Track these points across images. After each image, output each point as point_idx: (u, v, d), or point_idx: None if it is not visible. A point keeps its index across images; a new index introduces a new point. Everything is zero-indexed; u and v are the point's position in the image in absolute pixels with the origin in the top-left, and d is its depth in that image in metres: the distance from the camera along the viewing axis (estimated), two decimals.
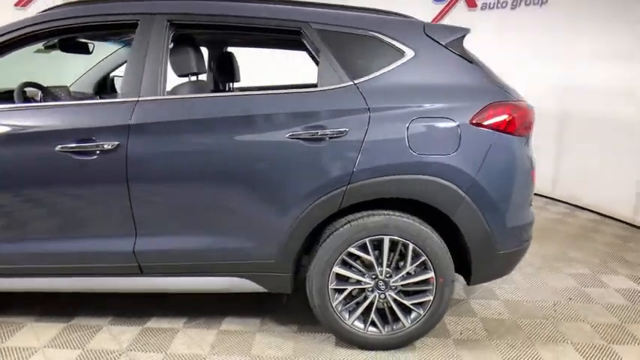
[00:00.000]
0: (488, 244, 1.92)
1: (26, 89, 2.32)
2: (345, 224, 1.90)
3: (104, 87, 3.26)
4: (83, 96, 3.01)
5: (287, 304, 2.40)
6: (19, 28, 1.89)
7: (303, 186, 1.84)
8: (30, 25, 1.89)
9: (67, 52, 2.54)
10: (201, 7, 1.95)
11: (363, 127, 1.82)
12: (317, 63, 1.94)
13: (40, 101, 2.40)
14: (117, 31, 2.21)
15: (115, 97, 1.98)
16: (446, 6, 5.43)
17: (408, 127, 1.81)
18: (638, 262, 3.09)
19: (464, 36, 2.02)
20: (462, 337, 2.15)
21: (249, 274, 1.97)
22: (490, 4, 5.07)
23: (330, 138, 1.81)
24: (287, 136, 1.81)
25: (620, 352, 2.06)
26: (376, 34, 1.94)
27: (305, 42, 1.96)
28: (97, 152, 1.80)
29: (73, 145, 1.79)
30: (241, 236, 1.91)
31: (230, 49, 3.16)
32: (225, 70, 2.91)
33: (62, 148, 1.79)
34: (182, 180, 1.86)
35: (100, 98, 3.11)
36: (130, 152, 1.80)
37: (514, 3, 4.85)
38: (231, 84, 3.03)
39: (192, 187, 1.87)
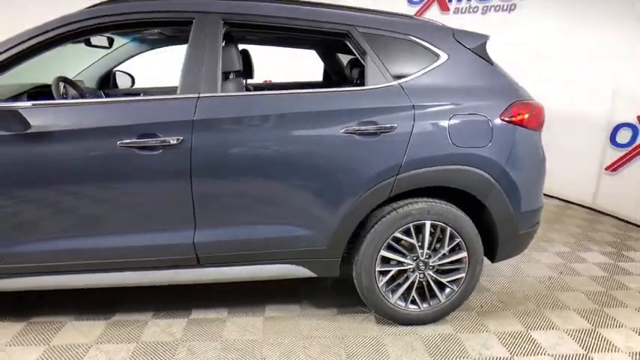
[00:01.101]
0: (512, 225, 2.20)
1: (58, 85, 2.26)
2: (391, 211, 2.08)
3: (107, 82, 3.20)
4: (93, 91, 2.94)
5: (319, 290, 2.55)
6: (72, 22, 1.87)
7: (356, 177, 2.00)
8: (82, 20, 1.88)
9: (89, 46, 2.49)
10: (255, 8, 2.03)
11: (409, 123, 2.01)
12: (361, 64, 2.11)
13: (64, 97, 2.35)
14: (169, 27, 2.21)
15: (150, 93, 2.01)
16: (420, 9, 5.75)
17: (448, 123, 2.03)
18: (604, 240, 3.56)
19: (486, 41, 2.27)
20: (483, 310, 2.42)
21: (302, 260, 2.10)
22: (462, 8, 5.45)
23: (382, 133, 1.98)
24: (342, 131, 1.96)
25: (611, 314, 2.43)
26: (414, 38, 2.14)
27: (351, 44, 2.12)
28: (161, 147, 1.84)
29: (137, 140, 1.82)
30: (297, 225, 2.04)
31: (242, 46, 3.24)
32: (244, 67, 2.97)
33: (124, 143, 1.81)
34: (242, 173, 1.94)
35: (105, 94, 3.07)
36: (194, 147, 1.86)
37: (484, 8, 5.26)
38: (246, 80, 3.09)
39: (251, 179, 1.96)
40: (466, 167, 2.06)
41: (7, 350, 1.95)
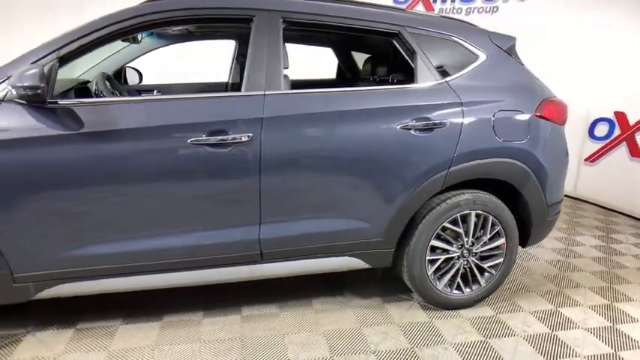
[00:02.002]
0: (543, 212, 2.39)
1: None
2: (440, 203, 2.20)
3: (118, 78, 3.09)
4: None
5: (358, 282, 2.63)
6: (130, 18, 1.81)
7: (412, 171, 2.10)
8: (141, 15, 1.83)
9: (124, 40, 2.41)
10: (314, 7, 2.07)
11: (459, 119, 2.13)
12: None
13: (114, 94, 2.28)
14: (226, 24, 2.18)
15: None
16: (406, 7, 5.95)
17: (492, 118, 2.18)
18: (592, 225, 3.91)
19: (515, 43, 2.45)
20: (512, 292, 2.61)
21: (359, 252, 2.17)
22: (446, 9, 5.69)
23: (435, 128, 2.09)
24: (399, 127, 2.05)
25: (620, 290, 2.70)
26: (456, 39, 2.27)
27: (399, 43, 2.21)
28: (232, 144, 1.84)
29: (207, 137, 1.81)
30: (357, 218, 2.10)
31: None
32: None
33: (195, 141, 1.80)
34: (306, 169, 1.98)
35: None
36: (263, 143, 1.88)
37: (468, 10, 5.53)
38: None
39: (314, 175, 2.00)
40: (508, 160, 2.21)
41: (66, 357, 1.87)
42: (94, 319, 2.16)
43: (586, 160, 4.57)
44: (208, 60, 4.23)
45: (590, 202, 4.56)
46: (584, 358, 2.03)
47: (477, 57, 2.29)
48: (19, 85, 1.53)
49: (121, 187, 1.78)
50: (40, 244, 1.75)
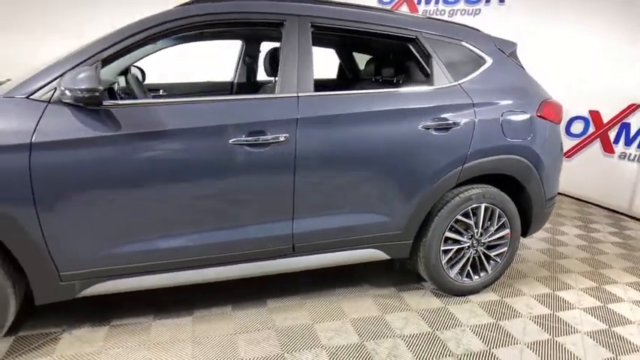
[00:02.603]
0: (542, 205, 2.61)
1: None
2: (454, 197, 2.37)
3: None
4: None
5: (367, 272, 2.77)
6: (176, 19, 1.87)
7: (431, 168, 2.26)
8: (176, 20, 1.88)
9: None
10: (340, 12, 2.18)
11: (472, 119, 2.31)
12: (425, 67, 2.36)
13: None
14: (257, 28, 2.23)
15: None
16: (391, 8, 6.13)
17: (501, 118, 2.37)
18: (571, 216, 4.23)
19: (516, 48, 2.65)
20: (511, 278, 2.83)
21: (382, 244, 2.32)
22: (430, 11, 5.92)
23: (451, 128, 2.26)
24: (420, 127, 2.20)
25: (605, 274, 2.98)
26: (467, 44, 2.45)
27: (416, 48, 2.36)
28: (270, 144, 1.93)
29: (247, 138, 1.89)
30: (381, 212, 2.24)
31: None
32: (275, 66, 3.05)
33: (236, 141, 1.88)
34: (336, 166, 2.10)
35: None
36: (298, 143, 1.98)
37: (451, 12, 5.78)
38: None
39: (344, 172, 2.12)
40: (514, 156, 2.41)
41: (109, 352, 1.91)
42: (125, 316, 2.20)
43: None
44: (206, 60, 4.27)
45: (566, 195, 4.91)
46: (585, 333, 2.26)
47: (484, 61, 2.47)
48: (76, 87, 1.56)
49: (166, 186, 1.83)
50: (85, 243, 1.78)
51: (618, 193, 4.36)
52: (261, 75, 3.32)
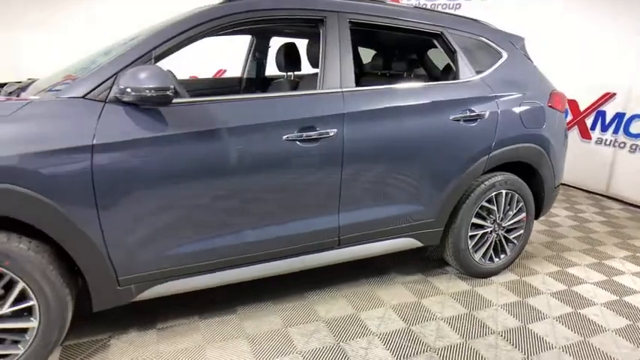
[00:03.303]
0: (552, 189, 2.81)
1: None
2: (480, 184, 2.50)
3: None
4: None
5: (391, 263, 2.86)
6: (224, 15, 1.85)
7: (462, 158, 2.37)
8: (223, 17, 1.86)
9: None
10: (376, 9, 2.23)
11: (495, 110, 2.44)
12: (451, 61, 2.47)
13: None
14: (298, 24, 2.22)
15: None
16: None
17: (519, 109, 2.52)
18: (557, 198, 4.52)
19: (524, 42, 2.81)
20: (523, 259, 3.02)
21: (417, 232, 2.41)
22: (411, 4, 6.07)
23: (478, 119, 2.38)
24: (451, 118, 2.31)
25: (602, 250, 3.24)
26: (485, 39, 2.57)
27: (441, 43, 2.45)
28: (320, 139, 1.96)
29: (299, 133, 1.91)
30: (417, 202, 2.33)
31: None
32: (293, 60, 3.04)
33: (290, 137, 1.89)
34: (378, 159, 2.16)
35: None
36: (345, 137, 2.02)
37: (432, 5, 5.94)
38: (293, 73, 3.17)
39: (384, 164, 2.19)
40: (531, 144, 2.58)
41: (168, 355, 1.88)
42: (170, 318, 2.16)
43: None
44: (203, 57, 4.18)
45: None
46: (602, 305, 2.46)
47: (500, 55, 2.61)
48: (145, 86, 1.52)
49: (225, 184, 1.82)
50: (144, 246, 1.74)
51: (596, 176, 4.71)
52: (270, 70, 3.34)
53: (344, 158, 2.04)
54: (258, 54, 3.34)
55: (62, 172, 1.53)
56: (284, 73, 2.89)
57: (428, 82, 2.56)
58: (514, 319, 2.28)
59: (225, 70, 6.09)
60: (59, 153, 1.52)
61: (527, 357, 1.99)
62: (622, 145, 4.47)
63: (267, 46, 3.35)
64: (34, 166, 1.48)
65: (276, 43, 3.15)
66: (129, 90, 1.55)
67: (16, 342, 1.62)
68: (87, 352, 1.89)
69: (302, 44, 2.73)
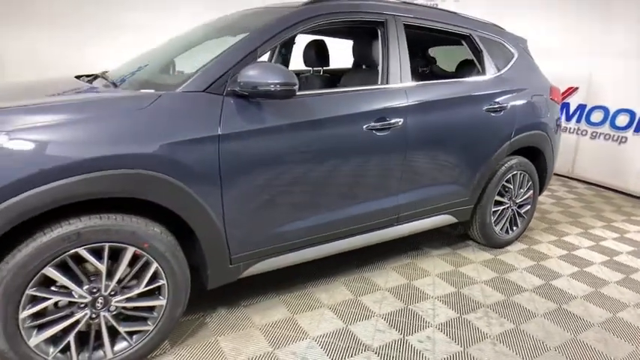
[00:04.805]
0: (552, 168, 3.28)
1: None
2: (501, 166, 2.90)
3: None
4: None
5: (422, 240, 3.20)
6: (299, 22, 2.03)
7: (491, 143, 2.75)
8: (308, 19, 2.06)
9: None
10: (423, 12, 2.53)
11: (514, 102, 2.83)
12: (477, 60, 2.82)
13: None
14: (363, 26, 2.41)
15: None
16: None
17: (530, 100, 2.94)
18: None
19: (527, 43, 3.25)
20: (528, 230, 3.47)
21: (454, 210, 2.75)
22: None
23: (502, 110, 2.76)
24: (484, 109, 2.67)
25: (581, 221, 3.81)
26: (501, 40, 2.96)
27: (469, 43, 2.80)
28: (390, 128, 2.23)
29: (375, 123, 2.16)
30: (456, 182, 2.68)
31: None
32: (322, 57, 3.24)
33: (368, 126, 2.14)
34: (431, 145, 2.47)
35: None
36: (408, 126, 2.30)
37: None
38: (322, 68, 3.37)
39: (436, 149, 2.51)
40: (539, 131, 3.02)
41: (267, 328, 2.07)
42: (248, 296, 2.33)
43: None
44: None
45: None
46: (600, 264, 2.97)
47: (513, 55, 3.01)
48: (271, 82, 1.70)
49: (324, 168, 2.06)
50: (254, 225, 1.92)
51: (562, 159, 5.35)
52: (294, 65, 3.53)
53: (407, 145, 2.33)
54: (284, 49, 3.51)
55: (194, 159, 1.67)
56: (309, 68, 3.13)
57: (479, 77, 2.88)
58: (538, 279, 2.70)
59: None
60: (192, 142, 1.66)
61: (560, 306, 2.40)
62: (584, 132, 5.15)
63: (292, 42, 3.53)
64: (172, 154, 1.62)
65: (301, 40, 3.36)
66: (255, 84, 1.72)
67: (144, 319, 1.74)
68: (190, 329, 2.03)
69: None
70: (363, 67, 2.83)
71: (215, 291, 1.99)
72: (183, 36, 2.64)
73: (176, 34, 2.75)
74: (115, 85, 2.02)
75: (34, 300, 1.48)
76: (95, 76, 2.35)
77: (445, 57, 3.89)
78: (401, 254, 2.94)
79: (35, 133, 1.42)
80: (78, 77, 2.37)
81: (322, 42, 3.21)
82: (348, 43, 3.98)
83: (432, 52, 3.86)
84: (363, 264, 2.76)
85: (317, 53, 2.97)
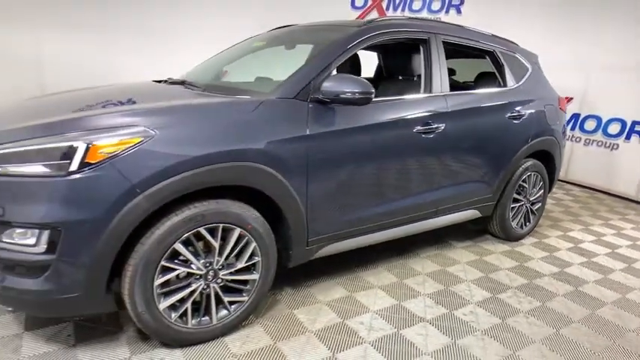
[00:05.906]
0: (559, 170, 3.68)
1: None
2: (519, 168, 3.27)
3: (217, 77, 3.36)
4: None
5: (444, 235, 3.54)
6: (362, 40, 2.37)
7: (513, 147, 3.13)
8: (369, 37, 2.40)
9: None
10: (458, 31, 2.89)
11: (531, 111, 3.22)
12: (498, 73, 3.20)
13: None
14: (409, 43, 2.76)
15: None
16: (361, 13, 6.91)
17: (545, 110, 3.33)
18: None
19: (538, 57, 3.65)
20: (537, 226, 3.86)
21: (480, 205, 3.11)
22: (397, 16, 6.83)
23: (521, 117, 3.14)
24: (507, 116, 3.04)
25: (582, 219, 4.22)
26: (518, 56, 3.35)
27: (492, 58, 3.18)
28: (434, 132, 2.57)
29: (422, 127, 2.50)
30: (483, 180, 3.03)
31: None
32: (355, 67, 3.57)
33: (417, 130, 2.48)
34: (464, 147, 2.82)
35: None
36: (447, 131, 2.64)
37: None
38: None
39: (468, 151, 2.86)
40: (551, 137, 3.41)
41: (331, 303, 2.36)
42: (308, 279, 2.61)
43: None
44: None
45: None
46: (605, 255, 3.36)
47: (527, 68, 3.40)
48: (352, 91, 2.01)
49: (382, 164, 2.40)
50: (329, 212, 2.23)
51: None
52: None
53: (446, 148, 2.67)
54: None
55: (289, 155, 1.98)
56: None
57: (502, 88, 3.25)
58: (553, 267, 3.07)
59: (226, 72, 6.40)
60: (287, 141, 1.98)
61: (576, 288, 2.77)
62: (578, 139, 5.61)
63: None
64: (274, 150, 1.93)
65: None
66: (337, 93, 2.03)
67: (241, 291, 2.02)
68: (267, 304, 2.31)
69: None
70: (400, 77, 3.17)
71: (279, 274, 2.28)
72: (250, 47, 2.97)
73: (240, 44, 3.08)
74: (205, 90, 2.31)
75: (164, 271, 1.76)
76: (173, 81, 2.63)
77: (457, 68, 4.29)
78: (430, 246, 3.27)
79: (174, 130, 1.70)
80: (157, 82, 2.65)
81: (356, 55, 3.55)
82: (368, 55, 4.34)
83: (450, 64, 4.24)
84: (400, 253, 3.08)
85: (351, 66, 3.30)
